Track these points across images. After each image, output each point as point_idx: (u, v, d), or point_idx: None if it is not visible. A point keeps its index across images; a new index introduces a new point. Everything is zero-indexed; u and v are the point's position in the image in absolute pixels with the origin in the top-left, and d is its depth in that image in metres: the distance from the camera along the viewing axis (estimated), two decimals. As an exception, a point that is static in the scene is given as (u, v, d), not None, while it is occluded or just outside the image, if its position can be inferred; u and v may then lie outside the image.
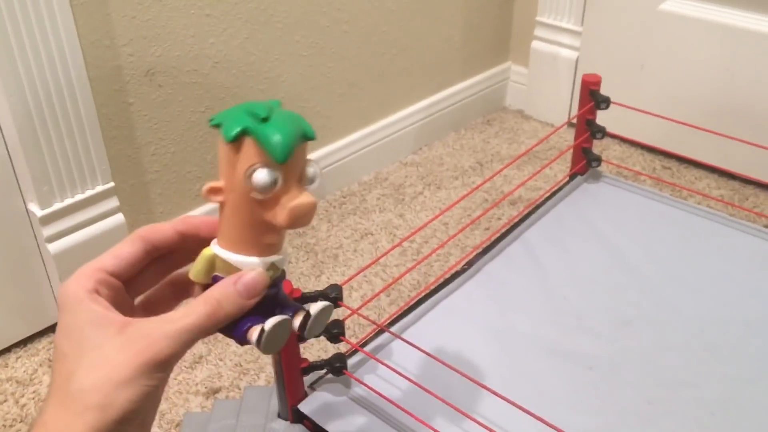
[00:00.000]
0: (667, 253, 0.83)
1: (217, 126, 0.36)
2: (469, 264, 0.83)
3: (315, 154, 1.09)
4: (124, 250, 0.39)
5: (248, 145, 0.35)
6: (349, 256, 1.00)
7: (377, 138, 1.17)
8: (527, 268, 0.82)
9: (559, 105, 1.31)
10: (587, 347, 0.71)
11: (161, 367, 0.34)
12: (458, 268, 0.82)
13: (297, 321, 0.40)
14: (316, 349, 0.84)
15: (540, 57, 1.31)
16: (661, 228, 0.87)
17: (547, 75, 1.31)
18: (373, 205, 1.11)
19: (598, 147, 1.22)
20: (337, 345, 0.80)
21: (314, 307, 0.40)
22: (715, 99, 1.11)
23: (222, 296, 0.36)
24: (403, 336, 0.72)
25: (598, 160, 0.94)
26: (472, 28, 1.26)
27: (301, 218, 0.36)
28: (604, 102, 0.89)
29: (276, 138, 0.34)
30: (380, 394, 0.62)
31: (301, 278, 0.96)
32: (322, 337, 0.67)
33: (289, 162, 0.35)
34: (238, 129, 0.35)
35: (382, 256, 0.74)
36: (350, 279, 0.71)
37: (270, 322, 0.37)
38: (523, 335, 0.73)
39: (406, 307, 0.77)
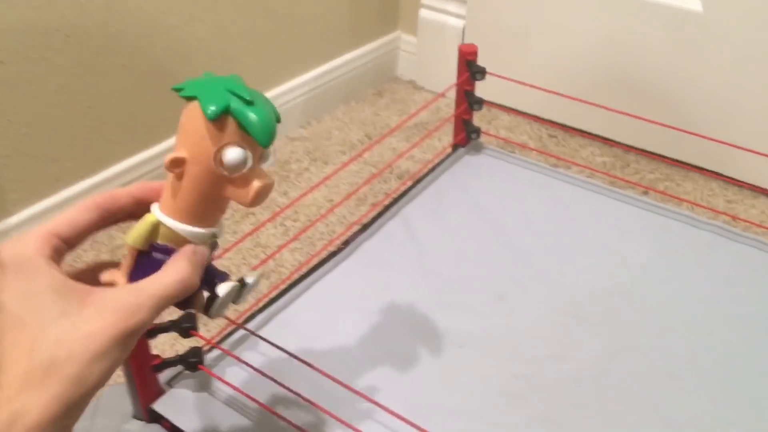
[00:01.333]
0: (545, 225, 0.83)
1: (190, 98, 0.37)
2: (346, 242, 0.80)
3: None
4: (81, 219, 0.37)
5: (229, 125, 0.36)
6: (229, 237, 0.95)
7: (260, 113, 1.13)
8: (405, 244, 0.80)
9: (450, 75, 1.29)
10: (459, 324, 0.70)
11: (135, 337, 0.34)
12: (335, 247, 0.80)
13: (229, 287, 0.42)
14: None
15: (428, 25, 1.29)
16: (541, 199, 0.87)
17: (436, 44, 1.29)
18: (257, 183, 1.06)
19: (486, 116, 1.21)
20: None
21: (249, 278, 0.43)
22: (599, 67, 1.12)
23: (191, 265, 0.37)
24: (277, 319, 0.70)
25: (477, 132, 0.93)
26: (357, -5, 1.22)
27: (264, 197, 0.39)
28: (480, 73, 0.87)
29: (262, 123, 0.36)
30: (239, 390, 0.59)
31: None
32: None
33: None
34: (221, 107, 0.36)
35: (255, 230, 0.70)
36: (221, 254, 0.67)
37: (224, 288, 0.41)
38: (396, 315, 0.71)
39: (276, 291, 0.74)
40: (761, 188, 1.03)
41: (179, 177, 0.38)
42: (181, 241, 0.39)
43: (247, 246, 0.94)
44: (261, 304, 0.71)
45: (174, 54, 0.97)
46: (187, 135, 0.37)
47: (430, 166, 0.92)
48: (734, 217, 0.95)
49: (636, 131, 1.11)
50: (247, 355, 0.64)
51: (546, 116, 1.20)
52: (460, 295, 0.74)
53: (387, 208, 0.85)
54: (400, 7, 1.32)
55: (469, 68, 0.88)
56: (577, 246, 0.80)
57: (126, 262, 0.39)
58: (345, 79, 1.26)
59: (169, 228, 0.38)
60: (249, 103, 0.36)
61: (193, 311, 0.44)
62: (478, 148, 0.95)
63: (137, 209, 0.40)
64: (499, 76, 0.88)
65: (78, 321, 0.33)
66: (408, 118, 0.92)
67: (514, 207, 0.85)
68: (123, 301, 0.34)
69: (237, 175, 0.37)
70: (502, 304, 0.73)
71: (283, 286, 0.74)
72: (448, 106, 1.26)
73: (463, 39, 1.25)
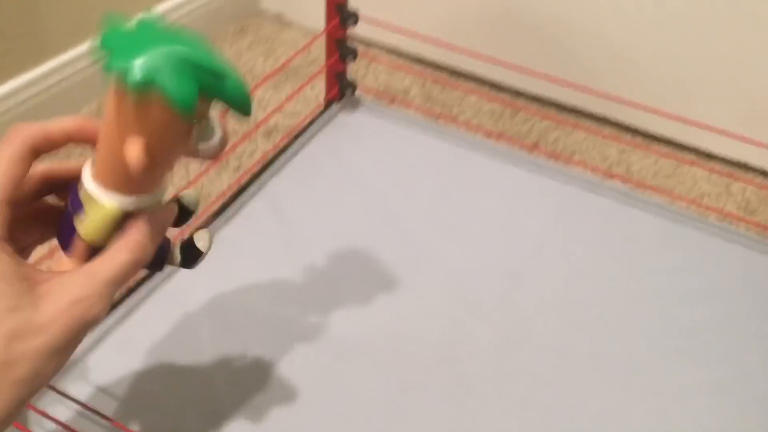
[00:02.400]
0: (430, 196, 0.73)
1: (144, 83, 0.28)
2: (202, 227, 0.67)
3: (13, 82, 0.85)
4: (20, 174, 0.32)
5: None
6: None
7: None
8: (270, 227, 0.68)
9: (321, 6, 1.14)
10: (335, 327, 0.60)
11: (92, 328, 0.32)
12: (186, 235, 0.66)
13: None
14: None
15: (295, -48, 1.12)
16: (425, 164, 0.77)
17: (304, -27, 1.13)
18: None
19: (364, 58, 1.08)
20: None
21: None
22: (486, 6, 1.01)
23: (145, 239, 0.33)
24: (110, 336, 0.57)
25: (353, 86, 0.80)
26: None
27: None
28: (352, 18, 0.74)
29: (245, 97, 0.31)
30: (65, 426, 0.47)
31: None
32: None
33: None
34: (194, 93, 0.29)
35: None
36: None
37: (202, 237, 0.39)
38: (258, 317, 0.60)
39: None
40: (653, 134, 0.98)
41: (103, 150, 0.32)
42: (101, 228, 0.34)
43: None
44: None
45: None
46: (143, 125, 0.30)
47: (301, 123, 0.79)
48: (630, 181, 0.89)
49: (525, 76, 1.02)
50: (77, 388, 0.52)
51: (430, 57, 1.09)
52: (335, 288, 0.63)
53: (249, 183, 0.72)
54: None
55: (340, 13, 0.74)
56: (465, 219, 0.71)
57: (78, 252, 0.34)
58: (200, 14, 1.08)
59: (106, 212, 0.33)
60: (221, 76, 0.30)
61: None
62: (355, 104, 0.83)
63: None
64: (377, 24, 0.76)
65: (32, 315, 0.30)
66: (276, 71, 0.78)
67: (395, 174, 0.75)
68: (79, 291, 0.31)
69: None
70: (384, 296, 0.63)
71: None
72: (321, 47, 1.12)
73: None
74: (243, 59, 1.08)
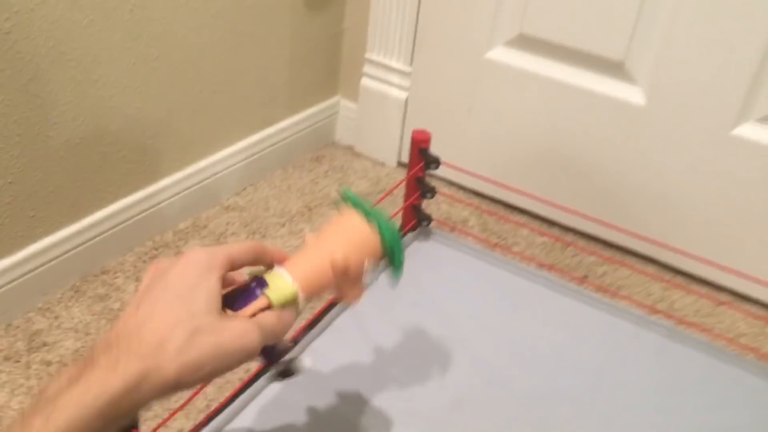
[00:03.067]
0: (497, 323, 0.81)
1: (369, 217, 0.50)
2: (295, 341, 0.76)
3: (126, 199, 0.97)
4: (245, 257, 0.46)
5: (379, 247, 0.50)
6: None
7: (196, 180, 1.07)
8: (357, 342, 0.77)
9: (390, 143, 1.28)
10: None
11: (246, 358, 0.43)
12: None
13: None
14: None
15: (369, 94, 1.27)
16: (492, 293, 0.85)
17: (377, 113, 1.27)
18: (190, 258, 1.00)
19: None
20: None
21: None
22: (541, 150, 1.13)
23: (289, 322, 0.46)
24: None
25: (429, 219, 0.91)
26: (298, 61, 1.19)
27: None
28: (434, 162, 0.86)
29: (402, 266, 0.53)
30: None
31: (104, 351, 0.84)
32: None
33: None
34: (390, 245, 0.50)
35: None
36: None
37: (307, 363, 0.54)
38: (349, 426, 0.67)
39: (213, 413, 0.68)
40: (694, 275, 1.07)
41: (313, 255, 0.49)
42: (291, 303, 0.47)
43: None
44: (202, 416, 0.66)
45: (105, 125, 0.90)
46: (355, 243, 0.49)
47: (378, 252, 0.89)
48: (673, 318, 0.97)
49: (574, 217, 1.13)
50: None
51: (486, 192, 1.21)
52: (416, 401, 0.71)
53: (336, 302, 0.82)
54: (341, 74, 1.30)
55: (424, 157, 0.86)
56: (529, 347, 0.79)
57: (250, 310, 0.45)
58: (283, 144, 1.22)
59: (292, 292, 0.47)
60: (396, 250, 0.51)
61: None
62: (427, 234, 0.93)
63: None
64: (452, 167, 0.87)
65: (222, 329, 0.41)
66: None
67: (465, 301, 0.84)
68: (247, 326, 0.42)
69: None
70: (461, 411, 0.70)
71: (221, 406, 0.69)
72: (388, 176, 1.25)
73: (405, 110, 1.24)
74: (319, 185, 1.20)
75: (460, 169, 0.89)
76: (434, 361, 0.75)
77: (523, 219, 1.18)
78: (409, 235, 0.92)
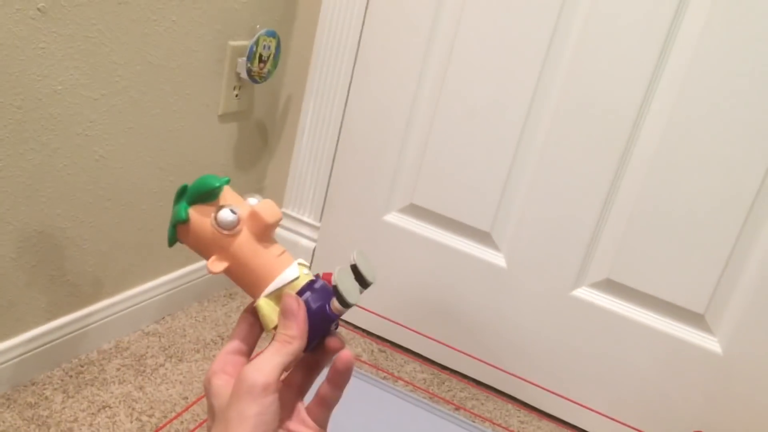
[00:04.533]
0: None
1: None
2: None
3: (56, 322, 1.08)
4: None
5: (201, 213, 0.49)
6: (85, 431, 0.99)
7: (122, 307, 1.20)
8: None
9: (296, 285, 1.46)
10: None
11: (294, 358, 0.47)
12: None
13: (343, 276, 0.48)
14: None
15: (283, 242, 1.47)
16: (377, 414, 1.03)
17: (287, 258, 1.47)
18: (113, 375, 1.11)
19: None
20: None
21: (354, 257, 0.50)
22: (424, 299, 1.35)
23: (295, 334, 0.47)
24: None
25: (331, 349, 1.09)
26: (224, 210, 1.38)
27: (271, 209, 0.48)
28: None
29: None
30: None
31: (29, 456, 0.92)
32: None
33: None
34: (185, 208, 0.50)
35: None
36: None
37: (335, 276, 0.47)
38: None
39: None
40: (545, 414, 1.28)
41: (229, 271, 0.49)
42: (282, 293, 0.48)
43: (102, 441, 0.98)
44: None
45: (58, 251, 1.04)
46: (204, 244, 0.50)
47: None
48: (526, 436, 1.17)
49: (451, 354, 1.33)
50: None
51: (377, 333, 1.40)
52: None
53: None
54: (258, 222, 1.50)
55: (330, 297, 1.05)
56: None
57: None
58: (200, 281, 1.38)
59: (272, 295, 0.47)
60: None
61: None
62: (328, 363, 1.10)
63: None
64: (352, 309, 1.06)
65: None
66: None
67: (349, 421, 1.00)
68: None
69: (238, 227, 0.48)
70: None
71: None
72: (293, 314, 1.42)
73: (312, 257, 1.44)
74: (232, 318, 1.36)
75: (360, 309, 1.09)
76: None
77: (406, 358, 1.37)
78: (313, 363, 1.09)
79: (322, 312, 0.48)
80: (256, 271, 0.48)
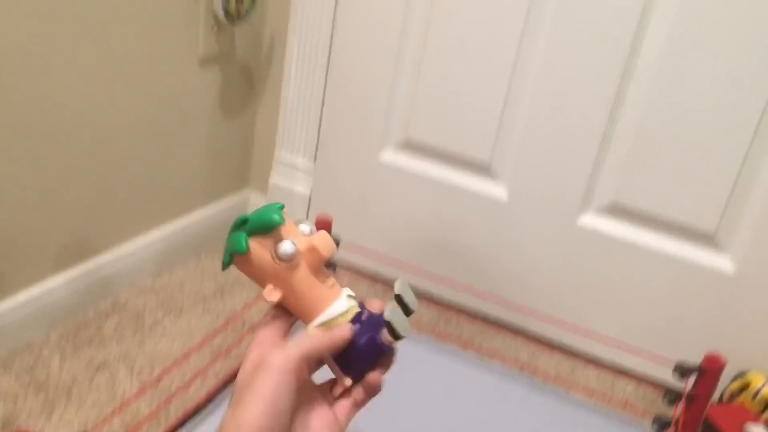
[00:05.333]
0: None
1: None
2: (210, 398, 0.87)
3: (50, 283, 1.06)
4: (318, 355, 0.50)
5: (261, 245, 0.52)
6: (84, 391, 0.97)
7: (115, 263, 1.17)
8: None
9: (295, 232, 1.43)
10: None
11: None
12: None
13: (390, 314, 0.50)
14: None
15: (277, 188, 1.43)
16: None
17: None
18: (111, 334, 1.09)
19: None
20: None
21: (397, 287, 0.51)
22: (428, 236, 1.32)
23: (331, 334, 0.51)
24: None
25: (329, 294, 1.06)
26: (213, 159, 1.34)
27: (327, 244, 0.52)
28: (336, 242, 1.01)
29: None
30: None
31: (31, 417, 0.91)
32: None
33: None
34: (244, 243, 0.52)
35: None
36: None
37: (387, 313, 0.49)
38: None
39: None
40: (555, 346, 1.26)
41: (283, 301, 0.51)
42: (332, 326, 0.51)
43: (103, 398, 0.96)
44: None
45: (53, 201, 1.01)
46: (258, 275, 0.53)
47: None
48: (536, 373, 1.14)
49: (455, 292, 1.31)
50: None
51: (382, 275, 1.37)
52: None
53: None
54: (252, 170, 1.46)
55: (324, 240, 1.02)
56: (409, 408, 0.93)
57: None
58: (197, 233, 1.35)
59: (318, 327, 0.50)
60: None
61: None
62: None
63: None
64: (351, 248, 1.03)
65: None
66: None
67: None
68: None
69: (296, 258, 0.51)
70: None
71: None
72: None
73: (309, 203, 1.41)
74: (232, 270, 1.33)
75: (358, 250, 1.05)
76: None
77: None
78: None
79: (372, 344, 0.51)
80: (310, 301, 0.51)
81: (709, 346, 1.15)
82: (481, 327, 1.27)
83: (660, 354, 1.17)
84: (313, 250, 0.51)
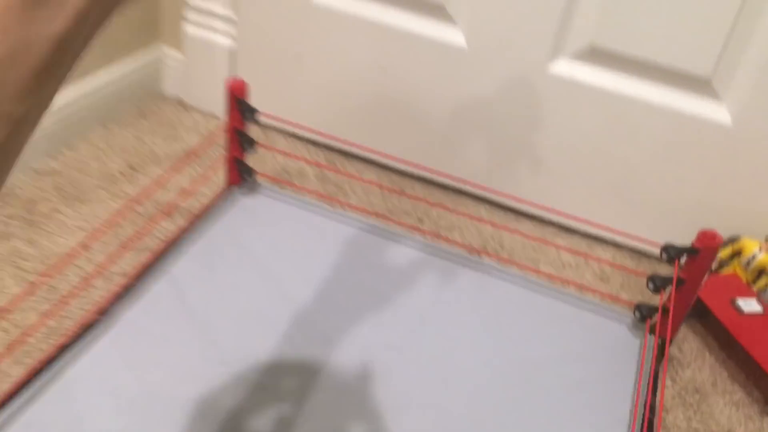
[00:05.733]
0: (322, 275, 0.80)
1: None
2: (103, 312, 0.71)
3: None
4: None
5: None
6: (-40, 304, 0.80)
7: None
8: (173, 310, 0.73)
9: (220, 94, 1.22)
10: (233, 401, 0.65)
11: None
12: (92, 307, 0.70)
13: None
14: None
15: (194, 42, 1.19)
16: (319, 246, 0.84)
17: (203, 62, 1.20)
18: (-5, 230, 0.91)
19: (263, 140, 1.16)
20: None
21: None
22: (373, 95, 1.11)
23: None
24: (21, 421, 0.59)
25: (251, 172, 0.88)
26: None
27: None
28: (251, 112, 0.82)
29: None
30: None
31: None
32: None
33: None
34: None
35: None
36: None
37: None
38: (163, 400, 0.64)
39: (20, 386, 0.63)
40: (523, 212, 1.10)
41: None
42: None
43: (-17, 313, 0.80)
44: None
45: None
46: None
47: (204, 206, 0.85)
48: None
49: (410, 158, 1.13)
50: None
51: (324, 141, 1.18)
52: (235, 365, 0.68)
53: (151, 264, 0.77)
54: (161, 20, 1.21)
55: (239, 108, 0.82)
56: (357, 297, 0.78)
57: None
58: (101, 99, 1.13)
59: None
60: None
61: None
62: (254, 187, 0.90)
63: None
64: (273, 117, 0.84)
65: None
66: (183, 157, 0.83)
67: (292, 256, 0.82)
68: None
69: None
70: (287, 378, 0.69)
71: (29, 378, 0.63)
72: (221, 129, 1.19)
73: (234, 58, 1.18)
74: (144, 143, 1.13)
75: (283, 121, 0.86)
76: (256, 323, 0.73)
77: (362, 167, 1.16)
78: (235, 190, 0.89)
79: None
80: None
81: (701, 206, 1.01)
82: (440, 196, 1.11)
83: (646, 236, 1.03)
84: None
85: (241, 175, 0.87)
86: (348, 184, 1.11)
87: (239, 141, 0.84)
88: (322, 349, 0.71)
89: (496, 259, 0.94)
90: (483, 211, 1.11)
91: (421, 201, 1.10)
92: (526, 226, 1.09)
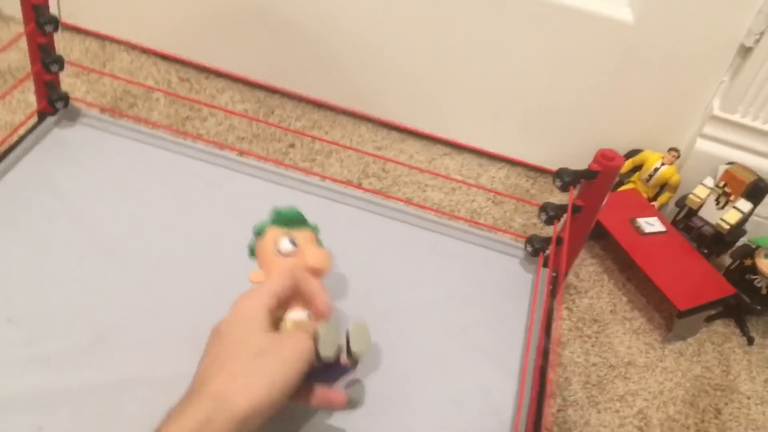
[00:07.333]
0: (153, 217, 0.65)
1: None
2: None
3: None
4: (286, 293, 0.48)
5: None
6: None
7: None
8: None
9: None
10: (42, 387, 0.51)
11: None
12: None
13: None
14: None
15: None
16: (157, 188, 0.69)
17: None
18: None
19: (100, 57, 0.97)
20: None
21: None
22: (236, 1, 0.94)
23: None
24: None
25: (64, 99, 0.70)
26: None
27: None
28: (50, 24, 0.64)
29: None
30: None
31: None
32: None
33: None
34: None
35: None
36: None
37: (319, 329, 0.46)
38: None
39: None
40: (409, 128, 0.98)
41: None
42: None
43: None
44: None
45: None
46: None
47: (7, 138, 0.68)
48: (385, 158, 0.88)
49: (280, 73, 0.98)
50: None
51: (176, 54, 1.00)
52: (45, 343, 0.54)
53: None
54: None
55: (36, 16, 0.64)
56: (201, 255, 0.64)
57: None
58: None
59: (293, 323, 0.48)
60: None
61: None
62: (74, 116, 0.73)
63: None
64: (96, 34, 0.66)
65: (277, 337, 0.45)
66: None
67: (117, 204, 0.66)
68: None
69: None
70: (102, 349, 0.55)
71: None
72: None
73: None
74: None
75: (113, 39, 0.68)
76: (69, 289, 0.59)
77: (222, 84, 1.00)
78: (48, 119, 0.72)
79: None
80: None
81: (602, 107, 0.92)
82: (313, 117, 0.97)
83: (543, 154, 0.94)
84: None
85: (49, 102, 0.69)
86: (206, 107, 0.95)
87: (42, 59, 0.67)
88: (158, 321, 0.58)
89: (378, 185, 0.82)
90: (364, 130, 0.98)
91: (292, 116, 0.95)
92: (414, 147, 0.97)
